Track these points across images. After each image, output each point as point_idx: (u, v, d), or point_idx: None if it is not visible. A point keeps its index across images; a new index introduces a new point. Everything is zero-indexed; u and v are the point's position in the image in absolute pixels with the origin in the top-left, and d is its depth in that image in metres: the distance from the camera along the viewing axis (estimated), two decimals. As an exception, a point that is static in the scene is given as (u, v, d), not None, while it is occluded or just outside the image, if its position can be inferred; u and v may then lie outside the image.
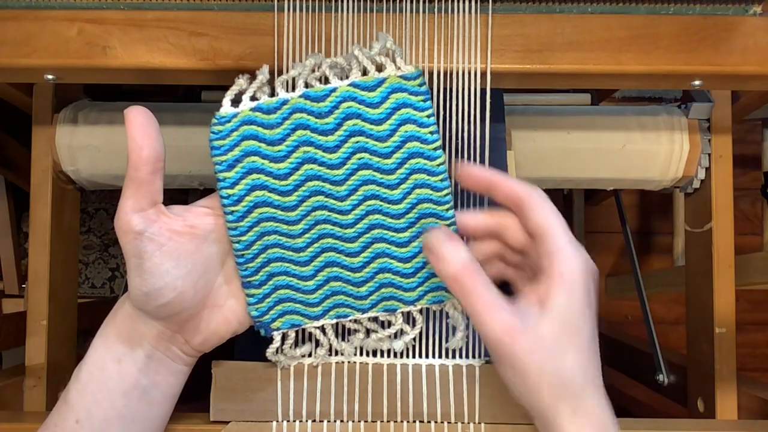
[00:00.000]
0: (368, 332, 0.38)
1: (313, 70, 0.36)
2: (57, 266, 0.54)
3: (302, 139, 0.35)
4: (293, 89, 0.35)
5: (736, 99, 0.59)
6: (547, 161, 0.53)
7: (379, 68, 0.35)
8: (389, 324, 0.38)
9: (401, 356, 0.39)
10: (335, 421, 0.38)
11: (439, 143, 0.35)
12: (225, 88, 0.36)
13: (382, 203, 0.36)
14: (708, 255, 0.53)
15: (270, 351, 0.37)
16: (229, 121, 0.35)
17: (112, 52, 0.39)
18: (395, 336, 0.38)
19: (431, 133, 0.35)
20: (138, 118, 0.32)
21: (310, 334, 0.38)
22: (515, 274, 0.37)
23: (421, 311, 0.38)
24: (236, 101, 0.35)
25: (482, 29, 0.39)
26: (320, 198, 0.35)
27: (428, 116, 0.35)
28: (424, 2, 0.38)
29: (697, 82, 0.40)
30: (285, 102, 0.35)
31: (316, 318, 0.37)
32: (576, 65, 0.39)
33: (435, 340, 0.39)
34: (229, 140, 0.35)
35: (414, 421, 0.38)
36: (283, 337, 0.37)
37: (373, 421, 0.38)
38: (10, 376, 0.53)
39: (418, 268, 0.37)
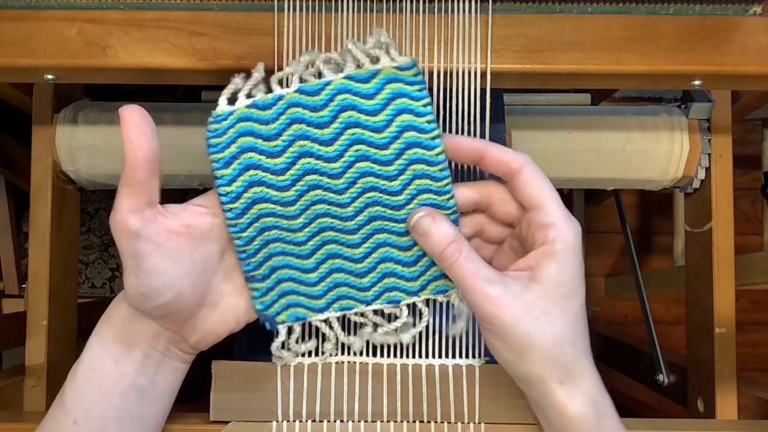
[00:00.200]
0: (375, 327, 0.38)
1: (308, 67, 0.35)
2: (57, 266, 0.54)
3: (298, 134, 0.35)
4: (289, 86, 0.35)
5: (736, 99, 0.59)
6: (547, 161, 0.53)
7: (374, 61, 0.35)
8: (395, 317, 0.38)
9: (401, 356, 0.39)
10: (335, 421, 0.38)
11: (436, 132, 0.35)
12: (225, 88, 0.36)
13: (381, 195, 0.36)
14: (708, 255, 0.53)
15: (275, 345, 0.37)
16: (225, 119, 0.35)
17: (112, 52, 0.39)
18: (402, 329, 0.38)
19: (428, 122, 0.34)
20: (133, 117, 0.32)
21: (317, 329, 0.38)
22: (491, 251, 0.37)
23: (426, 303, 0.38)
24: (233, 100, 0.35)
25: (482, 29, 0.39)
26: (319, 192, 0.35)
27: (424, 105, 0.34)
28: (424, 2, 0.38)
29: (697, 82, 0.40)
30: (280, 97, 0.35)
31: (320, 311, 0.37)
32: (576, 65, 0.39)
33: (435, 340, 0.39)
34: (226, 137, 0.35)
35: (414, 421, 0.38)
36: (289, 332, 0.37)
37: (373, 421, 0.38)
38: (10, 376, 0.53)
39: (420, 256, 0.37)
